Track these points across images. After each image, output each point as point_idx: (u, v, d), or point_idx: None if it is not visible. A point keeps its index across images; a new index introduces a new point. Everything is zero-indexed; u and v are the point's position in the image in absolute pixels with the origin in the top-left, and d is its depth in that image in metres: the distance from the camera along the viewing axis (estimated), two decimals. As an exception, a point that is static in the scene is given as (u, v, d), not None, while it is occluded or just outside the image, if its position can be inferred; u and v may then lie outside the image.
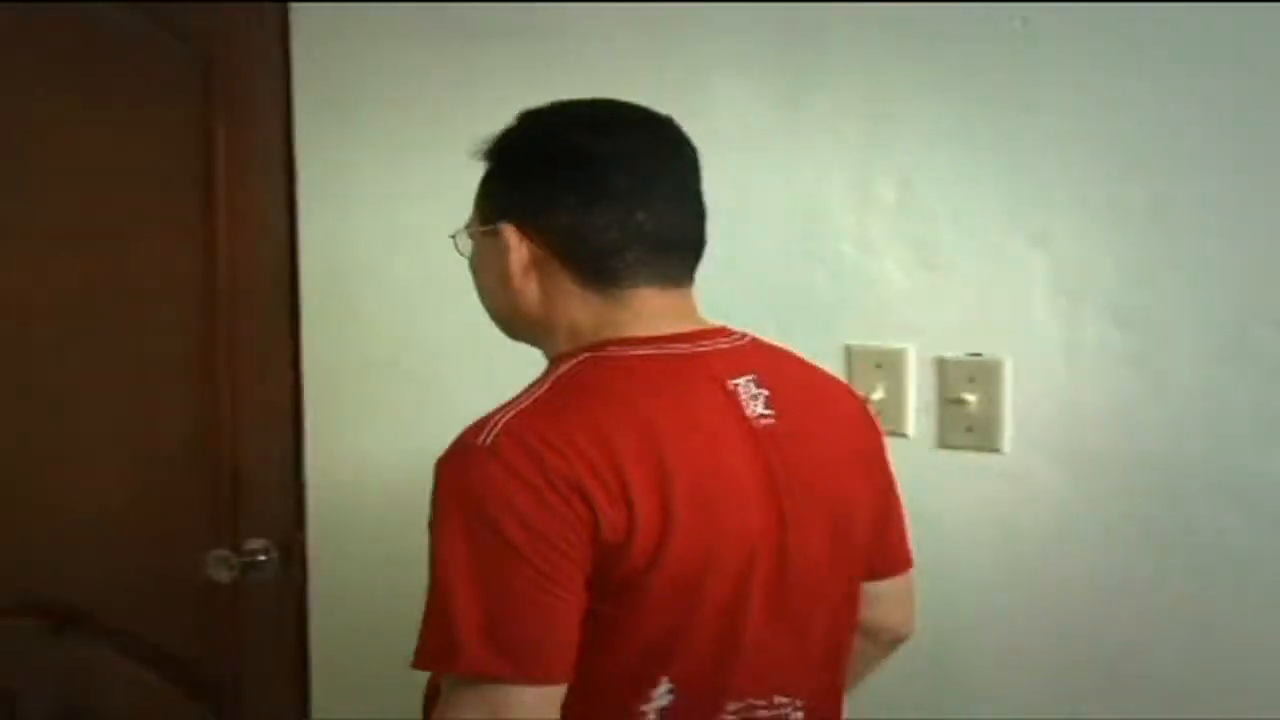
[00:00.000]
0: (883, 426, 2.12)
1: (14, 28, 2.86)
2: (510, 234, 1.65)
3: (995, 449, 2.19)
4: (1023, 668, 2.24)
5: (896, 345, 2.24)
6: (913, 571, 1.94)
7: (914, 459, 2.21)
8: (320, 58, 2.74)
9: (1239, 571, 2.07)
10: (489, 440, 1.50)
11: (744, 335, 1.73)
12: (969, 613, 2.24)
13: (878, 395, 2.23)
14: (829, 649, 1.76)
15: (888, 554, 1.88)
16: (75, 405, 2.90)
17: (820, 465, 1.70)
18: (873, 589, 1.84)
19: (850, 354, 2.27)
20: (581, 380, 1.65)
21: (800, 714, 1.72)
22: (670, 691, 1.62)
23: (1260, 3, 1.96)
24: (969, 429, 2.20)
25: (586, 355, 1.63)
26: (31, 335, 2.91)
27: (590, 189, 1.63)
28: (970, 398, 2.18)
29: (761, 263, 2.34)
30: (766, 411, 1.64)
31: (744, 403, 1.64)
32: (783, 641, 1.68)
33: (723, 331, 1.70)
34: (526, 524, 1.46)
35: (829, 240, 2.28)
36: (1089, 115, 2.09)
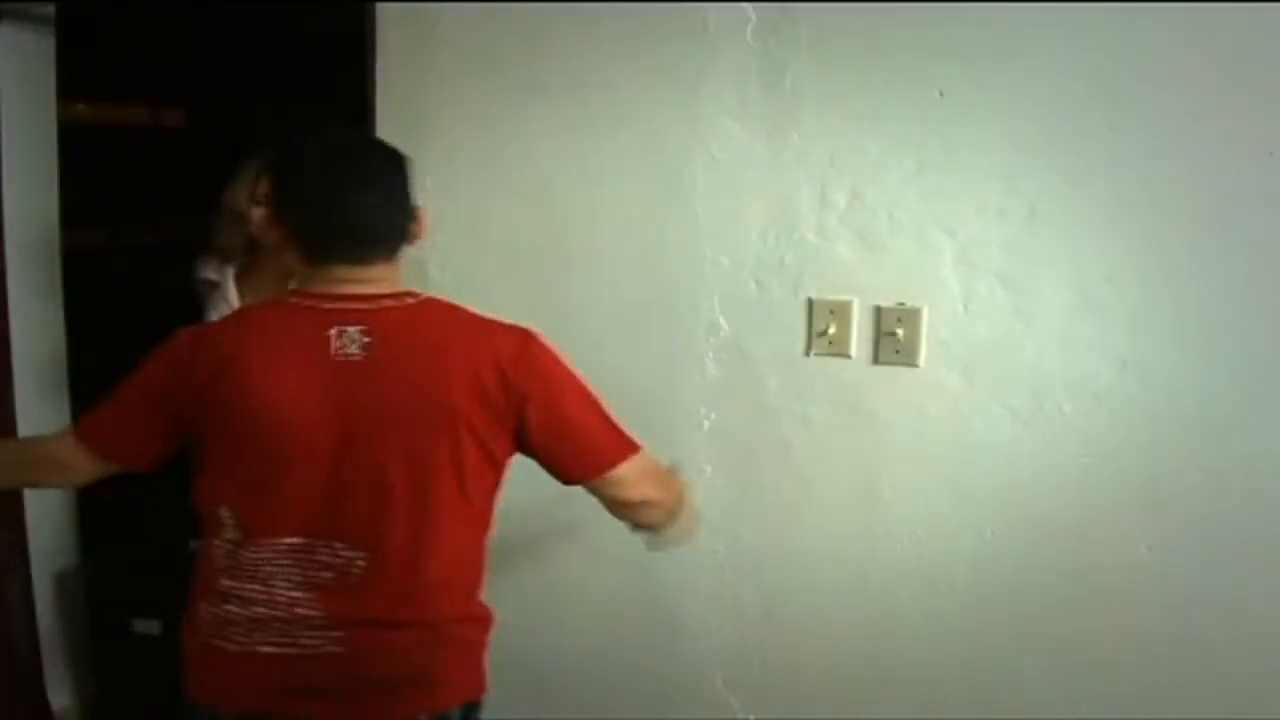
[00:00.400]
0: (834, 352, 2.89)
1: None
2: (269, 223, 2.41)
3: (914, 365, 2.90)
4: (930, 496, 2.91)
5: (845, 298, 2.91)
6: (638, 458, 2.45)
7: (856, 372, 2.95)
8: (399, 92, 3.23)
9: (1069, 431, 2.81)
10: (190, 328, 2.42)
11: (417, 298, 2.39)
12: (895, 466, 2.89)
13: (832, 331, 2.93)
14: (405, 523, 2.32)
15: (582, 458, 2.43)
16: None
17: (396, 392, 2.29)
18: (610, 476, 2.44)
19: (812, 304, 2.95)
20: (250, 307, 2.66)
21: (362, 563, 2.31)
22: (235, 525, 2.32)
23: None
24: (897, 351, 2.90)
25: (274, 299, 2.45)
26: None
27: (305, 199, 2.34)
28: (899, 332, 2.88)
29: (751, 246, 2.99)
30: (355, 352, 2.28)
31: (332, 342, 2.28)
32: (344, 508, 2.30)
33: (395, 295, 2.36)
34: (162, 368, 2.35)
35: (799, 231, 2.94)
36: (984, 148, 2.78)
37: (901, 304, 2.91)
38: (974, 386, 2.88)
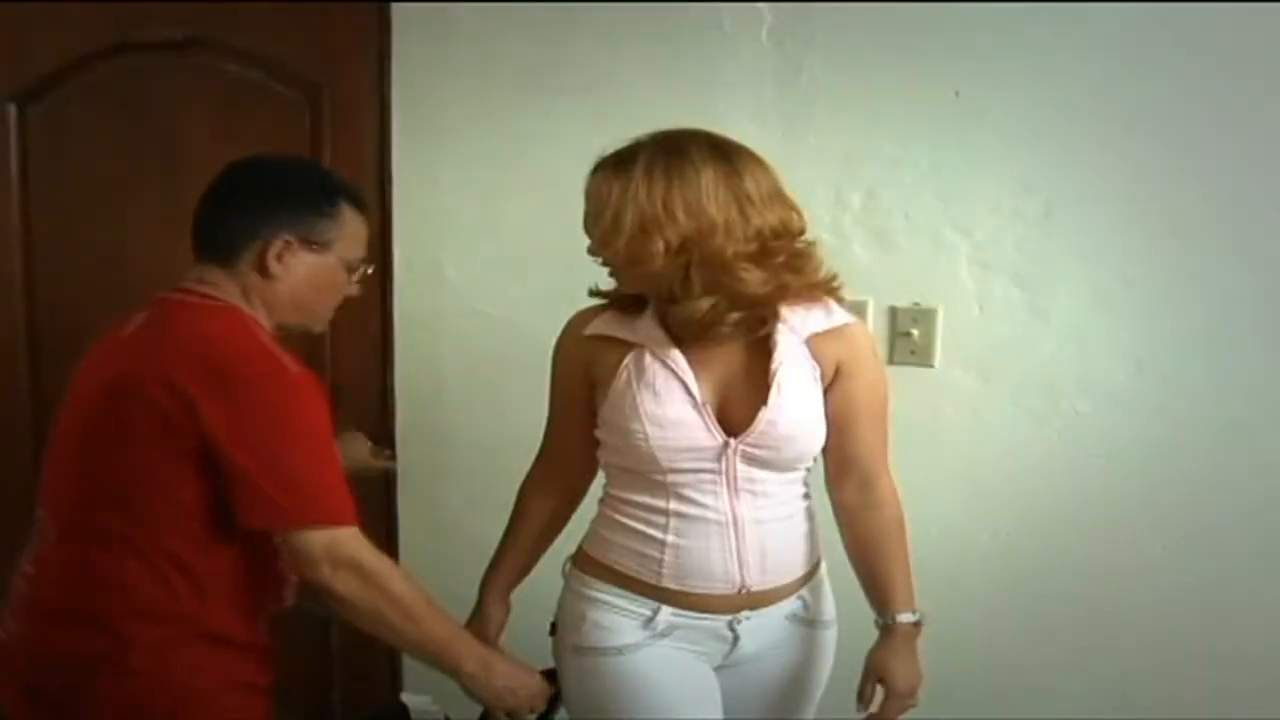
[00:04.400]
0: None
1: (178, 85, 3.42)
2: None
3: (930, 365, 2.92)
4: (945, 496, 2.91)
5: (860, 298, 2.82)
6: (306, 536, 2.15)
7: (871, 372, 2.97)
8: (416, 93, 3.24)
9: (1084, 432, 2.84)
10: None
11: (190, 294, 2.26)
12: (910, 466, 2.56)
13: (848, 331, 2.93)
14: (78, 494, 2.21)
15: (238, 502, 2.15)
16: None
17: (107, 368, 2.20)
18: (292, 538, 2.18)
19: (828, 305, 2.94)
20: None
21: (51, 527, 2.22)
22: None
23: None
24: (912, 352, 2.92)
25: None
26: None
27: None
28: (914, 332, 2.90)
29: (766, 245, 2.99)
30: (128, 331, 2.24)
31: (127, 323, 2.25)
32: (51, 472, 2.27)
33: (189, 290, 2.27)
34: None
35: (814, 232, 2.59)
36: (1000, 148, 2.80)
37: (917, 304, 2.92)
38: (989, 387, 2.89)
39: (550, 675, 2.45)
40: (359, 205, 2.42)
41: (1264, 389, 2.74)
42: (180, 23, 3.35)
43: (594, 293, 2.38)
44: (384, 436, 3.30)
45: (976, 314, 2.88)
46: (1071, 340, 2.83)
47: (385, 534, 3.36)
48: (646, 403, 2.24)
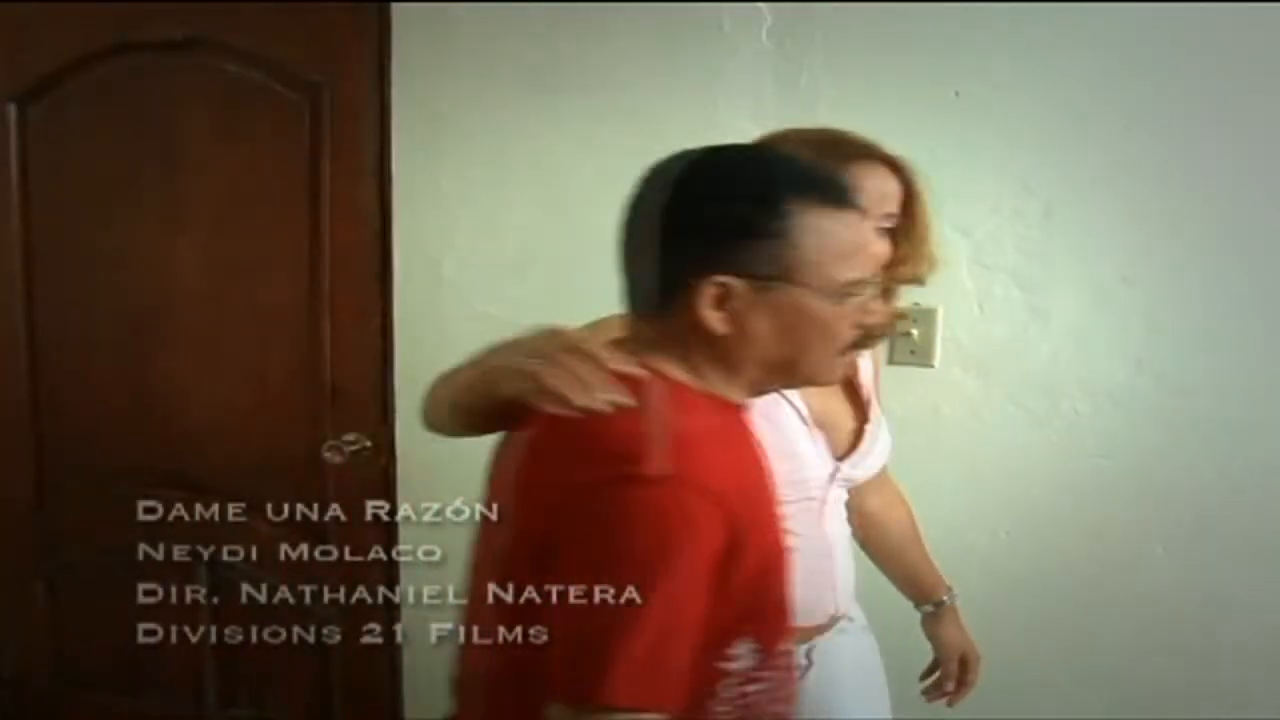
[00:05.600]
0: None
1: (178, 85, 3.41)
2: None
3: (929, 365, 2.92)
4: (944, 496, 2.89)
5: None
6: None
7: (871, 372, 2.98)
8: (417, 86, 3.22)
9: (1084, 432, 2.85)
10: None
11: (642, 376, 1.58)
12: (909, 466, 2.60)
13: (847, 332, 2.95)
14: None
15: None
16: (219, 340, 3.46)
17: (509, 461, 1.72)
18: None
19: (826, 305, 2.96)
20: None
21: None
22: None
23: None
24: (912, 352, 2.92)
25: None
26: (194, 291, 3.46)
27: None
28: (914, 332, 2.90)
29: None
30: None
31: None
32: None
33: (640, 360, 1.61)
34: None
35: None
36: (1001, 150, 2.80)
37: (916, 304, 2.89)
38: (989, 387, 2.89)
39: None
40: (835, 201, 1.61)
41: (1264, 389, 2.75)
42: (180, 23, 3.34)
43: None
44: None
45: (976, 314, 2.88)
46: (1071, 340, 2.83)
47: (384, 535, 3.30)
48: (767, 434, 1.75)
